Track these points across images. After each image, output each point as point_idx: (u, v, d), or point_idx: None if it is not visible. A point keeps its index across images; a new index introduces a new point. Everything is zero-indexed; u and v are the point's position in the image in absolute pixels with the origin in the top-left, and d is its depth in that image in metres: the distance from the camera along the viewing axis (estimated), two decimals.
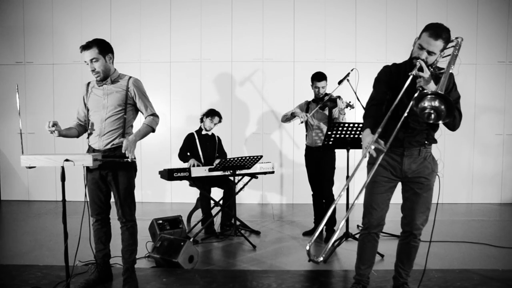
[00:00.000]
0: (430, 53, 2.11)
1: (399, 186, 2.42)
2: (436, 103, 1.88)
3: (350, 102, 3.70)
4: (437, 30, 2.08)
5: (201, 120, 4.38)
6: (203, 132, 4.35)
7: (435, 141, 2.33)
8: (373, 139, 2.02)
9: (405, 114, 2.08)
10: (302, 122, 3.82)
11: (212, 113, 4.32)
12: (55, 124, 2.45)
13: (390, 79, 2.28)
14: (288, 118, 4.03)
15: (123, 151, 2.45)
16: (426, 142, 2.28)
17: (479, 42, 5.59)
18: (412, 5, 5.57)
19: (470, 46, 5.60)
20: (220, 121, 4.38)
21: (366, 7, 5.57)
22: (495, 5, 5.58)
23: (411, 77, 2.09)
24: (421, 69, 2.07)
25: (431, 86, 2.04)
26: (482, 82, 5.63)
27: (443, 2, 5.57)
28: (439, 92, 1.89)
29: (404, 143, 2.26)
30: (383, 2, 5.57)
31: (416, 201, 2.32)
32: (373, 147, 2.04)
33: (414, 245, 2.39)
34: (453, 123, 2.19)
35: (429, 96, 1.91)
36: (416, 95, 2.00)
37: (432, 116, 1.91)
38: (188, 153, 4.28)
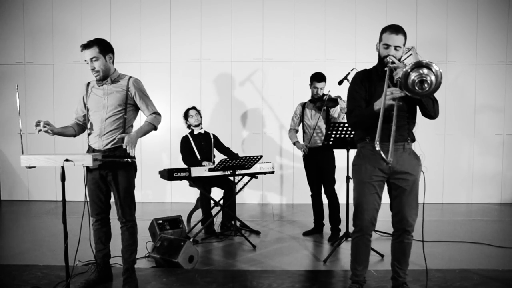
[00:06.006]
0: (396, 48, 2.30)
1: (386, 186, 2.45)
2: (425, 71, 1.98)
3: None
4: (395, 27, 2.31)
5: (187, 125, 4.33)
6: (196, 132, 4.31)
7: (414, 139, 2.42)
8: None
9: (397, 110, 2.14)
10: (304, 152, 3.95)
11: (186, 113, 4.29)
12: (47, 124, 2.46)
13: (363, 86, 2.41)
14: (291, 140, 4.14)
15: (124, 147, 2.45)
16: (408, 138, 2.37)
17: (479, 42, 5.59)
18: (412, 5, 5.57)
19: (470, 46, 5.60)
20: (199, 112, 4.32)
21: (366, 7, 5.57)
22: (495, 5, 5.58)
23: (388, 70, 2.21)
24: (393, 63, 2.22)
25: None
26: (482, 82, 5.63)
27: (443, 2, 5.57)
28: (421, 61, 1.98)
29: (391, 138, 2.30)
30: (383, 2, 5.57)
31: (405, 198, 2.36)
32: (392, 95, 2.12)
33: (408, 242, 2.42)
34: (434, 110, 2.28)
35: (412, 69, 1.98)
36: (400, 78, 2.06)
37: (425, 84, 1.98)
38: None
